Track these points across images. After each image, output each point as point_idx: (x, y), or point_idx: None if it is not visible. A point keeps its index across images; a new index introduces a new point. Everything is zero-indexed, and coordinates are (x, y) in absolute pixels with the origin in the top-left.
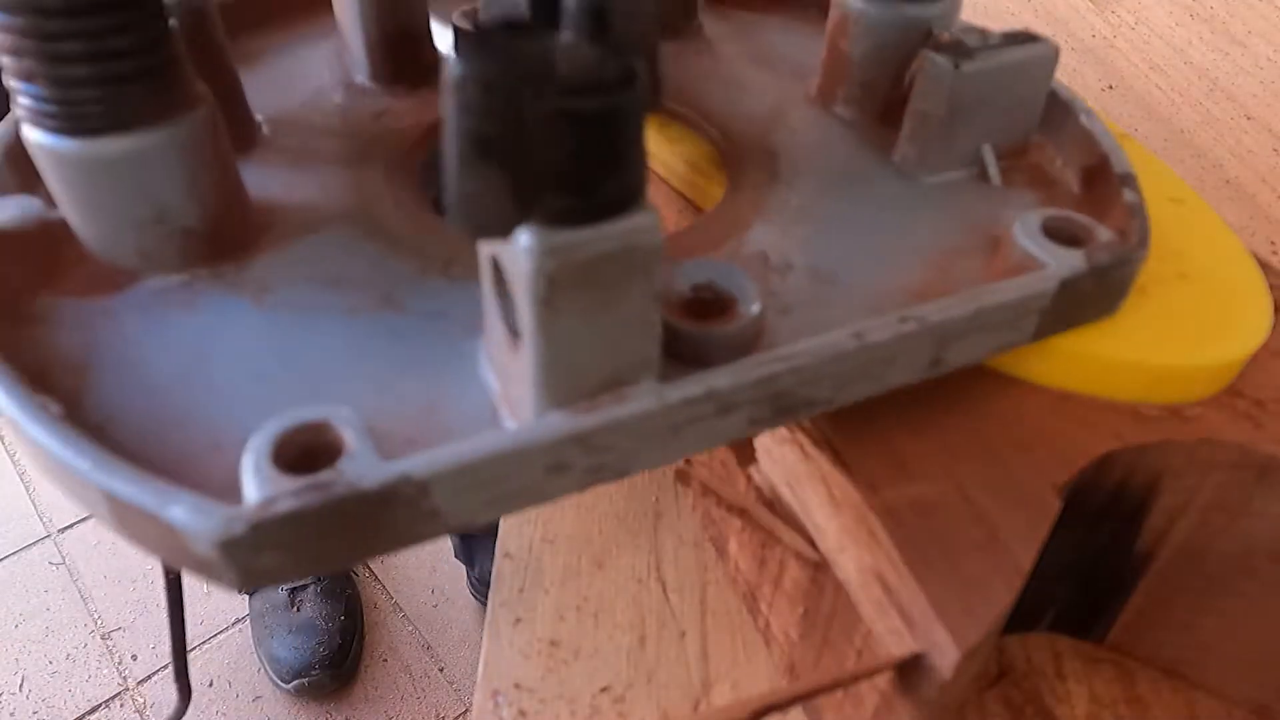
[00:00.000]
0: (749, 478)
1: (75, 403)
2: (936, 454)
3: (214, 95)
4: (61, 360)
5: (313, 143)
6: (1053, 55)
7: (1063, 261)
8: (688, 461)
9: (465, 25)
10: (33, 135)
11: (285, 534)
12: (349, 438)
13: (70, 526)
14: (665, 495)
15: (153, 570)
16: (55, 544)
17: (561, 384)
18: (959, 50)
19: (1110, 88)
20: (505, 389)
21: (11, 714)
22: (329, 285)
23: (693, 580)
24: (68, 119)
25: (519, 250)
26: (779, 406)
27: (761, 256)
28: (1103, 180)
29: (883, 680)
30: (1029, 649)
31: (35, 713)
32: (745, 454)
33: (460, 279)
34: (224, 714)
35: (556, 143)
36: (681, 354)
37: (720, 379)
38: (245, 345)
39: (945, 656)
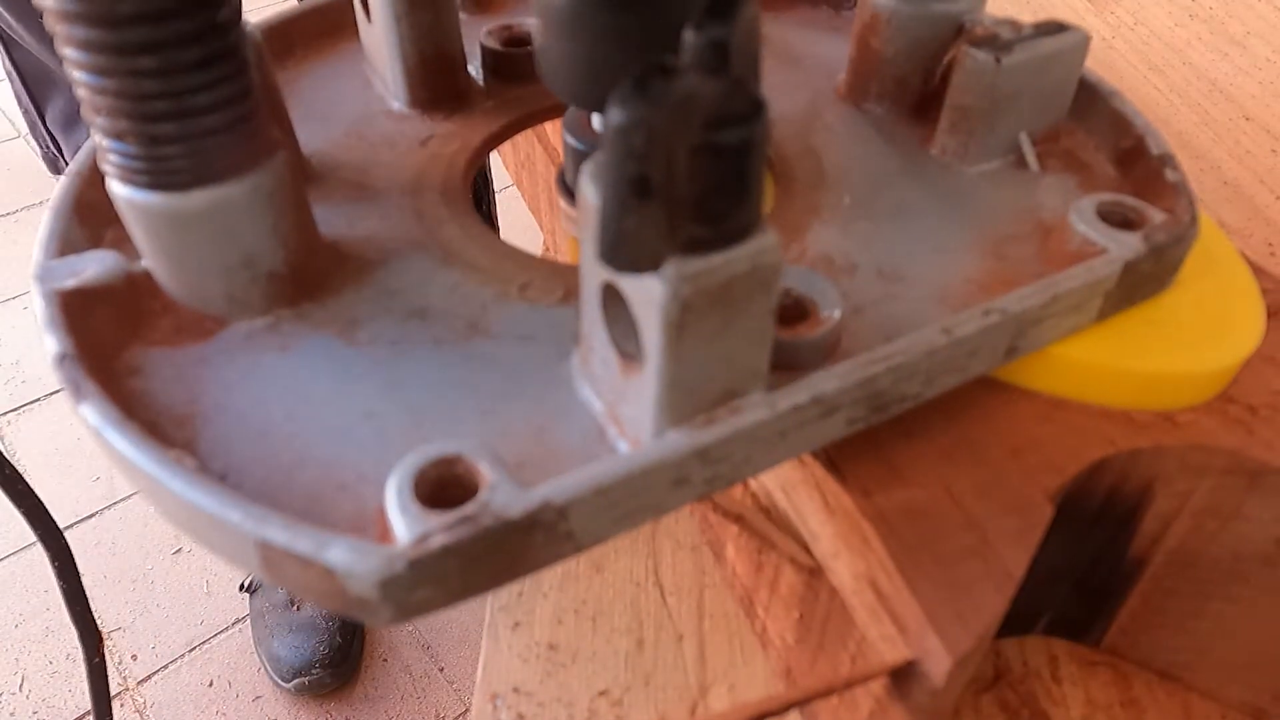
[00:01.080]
0: (745, 484)
1: (191, 451)
2: (929, 460)
3: (288, 142)
4: (166, 412)
5: (364, 174)
6: (1084, 43)
7: (1123, 245)
8: None
9: (493, 45)
10: (121, 191)
11: (439, 568)
12: (484, 469)
13: (70, 526)
14: None
15: (153, 570)
16: None
17: (682, 402)
18: (997, 44)
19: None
20: (614, 409)
21: (11, 714)
22: (413, 316)
23: (690, 584)
24: (157, 174)
25: (654, 280)
26: (875, 405)
27: (826, 259)
28: (1141, 161)
29: (877, 685)
30: (1025, 652)
31: (35, 713)
32: None
33: (539, 302)
34: (224, 714)
35: (699, 176)
36: (773, 365)
37: (826, 384)
38: (344, 383)
39: (937, 663)
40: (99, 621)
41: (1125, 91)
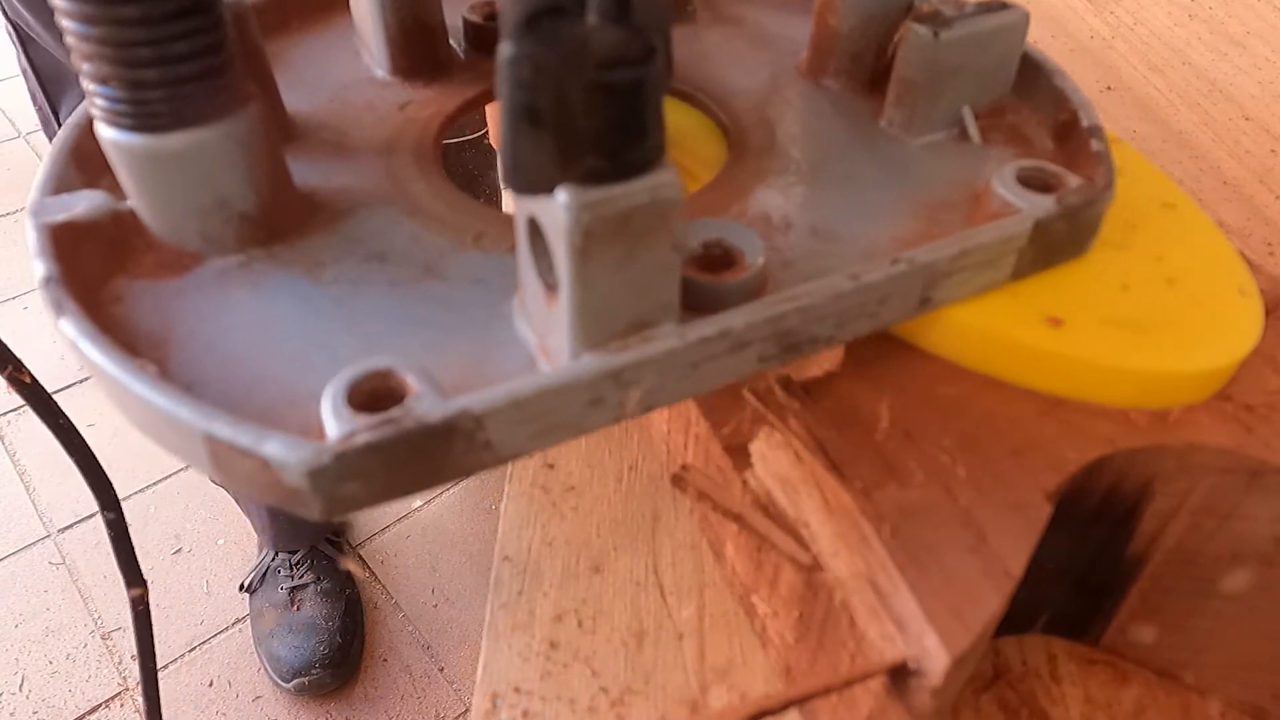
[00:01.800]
0: (744, 483)
1: (163, 371)
2: (928, 459)
3: (264, 95)
4: (143, 336)
5: (344, 135)
6: (1024, 21)
7: (1037, 205)
8: (684, 467)
9: (475, 19)
10: (107, 133)
11: (363, 464)
12: (412, 381)
13: (70, 526)
14: (663, 499)
15: (153, 570)
16: (55, 544)
17: (594, 328)
18: (938, 20)
19: (1109, 89)
20: (542, 340)
21: (11, 714)
22: (374, 260)
23: (690, 583)
24: (139, 117)
25: (559, 207)
26: (786, 344)
27: (765, 217)
28: (1074, 133)
29: (876, 684)
30: (1024, 651)
31: (35, 713)
32: (741, 459)
33: (492, 250)
34: (224, 714)
35: (592, 112)
36: (696, 305)
37: (733, 319)
38: (305, 316)
39: (936, 661)
40: (98, 621)
41: (1125, 91)
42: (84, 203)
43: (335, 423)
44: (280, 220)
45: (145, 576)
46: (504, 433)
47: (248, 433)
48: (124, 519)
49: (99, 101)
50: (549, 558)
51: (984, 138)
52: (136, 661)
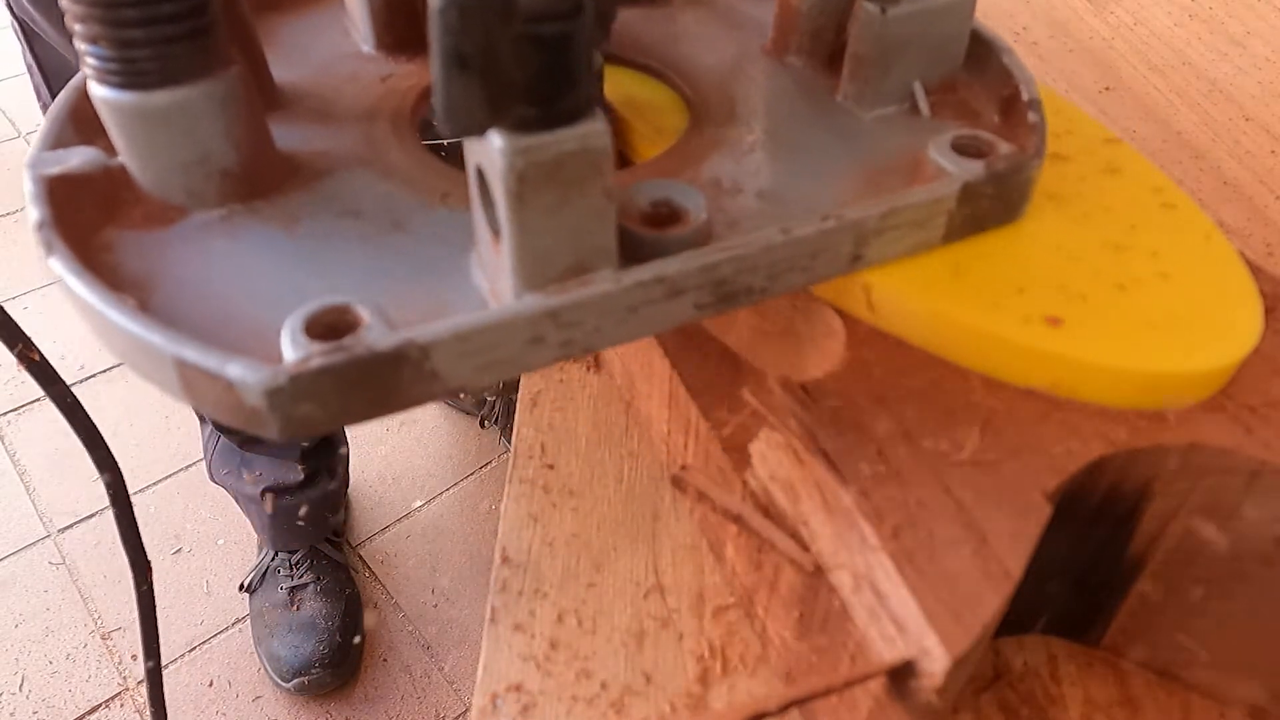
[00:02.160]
0: (744, 483)
1: (145, 309)
2: (928, 460)
3: (242, 59)
4: (128, 279)
5: (327, 104)
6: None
7: (966, 169)
8: (684, 467)
9: None
10: (97, 91)
11: (316, 386)
12: (365, 314)
13: (70, 526)
14: (663, 499)
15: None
16: (55, 544)
17: (534, 269)
18: None
19: (1107, 89)
20: (492, 285)
21: (11, 714)
22: (347, 216)
23: (690, 584)
24: (127, 75)
25: (495, 152)
26: (720, 293)
27: (715, 181)
28: (1015, 107)
29: (876, 685)
30: (1024, 651)
31: (35, 713)
32: (741, 460)
33: (457, 208)
34: (224, 714)
35: (522, 62)
36: (641, 257)
37: (668, 266)
38: (278, 263)
39: (936, 662)
40: (98, 621)
41: (1125, 91)
42: (78, 158)
43: (292, 349)
44: (260, 178)
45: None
46: (450, 364)
47: (213, 357)
48: (130, 503)
49: (90, 60)
50: (549, 558)
51: (934, 112)
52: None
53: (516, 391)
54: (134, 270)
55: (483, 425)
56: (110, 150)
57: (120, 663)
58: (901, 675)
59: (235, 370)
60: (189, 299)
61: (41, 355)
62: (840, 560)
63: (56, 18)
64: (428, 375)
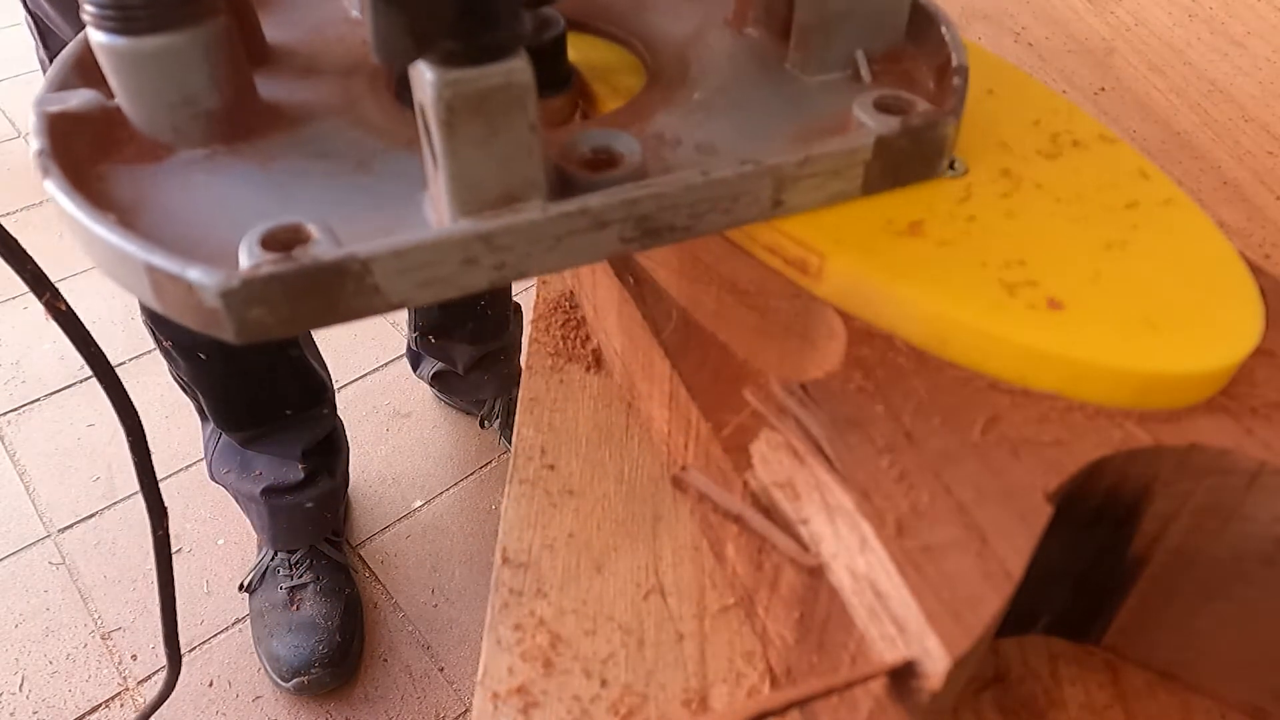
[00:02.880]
0: (745, 484)
1: (130, 228)
2: (928, 460)
3: (232, 15)
4: (118, 206)
5: (313, 61)
6: None
7: (882, 124)
8: (685, 468)
9: None
10: (95, 36)
11: (266, 291)
12: (315, 232)
13: (70, 526)
14: (664, 500)
15: (152, 570)
16: (55, 544)
17: (467, 196)
18: None
19: (1102, 90)
20: (437, 215)
21: (11, 714)
22: (318, 157)
23: (691, 584)
24: (121, 22)
25: (427, 85)
26: (644, 228)
27: (659, 135)
28: (946, 74)
29: (877, 685)
30: (1024, 652)
31: (35, 713)
32: (741, 460)
33: (419, 153)
34: (224, 714)
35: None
36: (576, 195)
37: (592, 200)
38: (250, 195)
39: (936, 663)
40: (98, 621)
41: (1125, 91)
42: (78, 99)
43: (246, 258)
44: (242, 122)
45: (145, 575)
46: (390, 280)
47: (177, 262)
48: (148, 450)
49: (89, 8)
50: (549, 558)
51: (876, 79)
52: (138, 660)
53: (517, 391)
54: (124, 198)
55: (483, 425)
56: (109, 94)
57: (120, 663)
58: (902, 676)
59: (195, 274)
60: (170, 222)
61: (68, 306)
62: (840, 561)
63: (71, 14)
64: (369, 289)
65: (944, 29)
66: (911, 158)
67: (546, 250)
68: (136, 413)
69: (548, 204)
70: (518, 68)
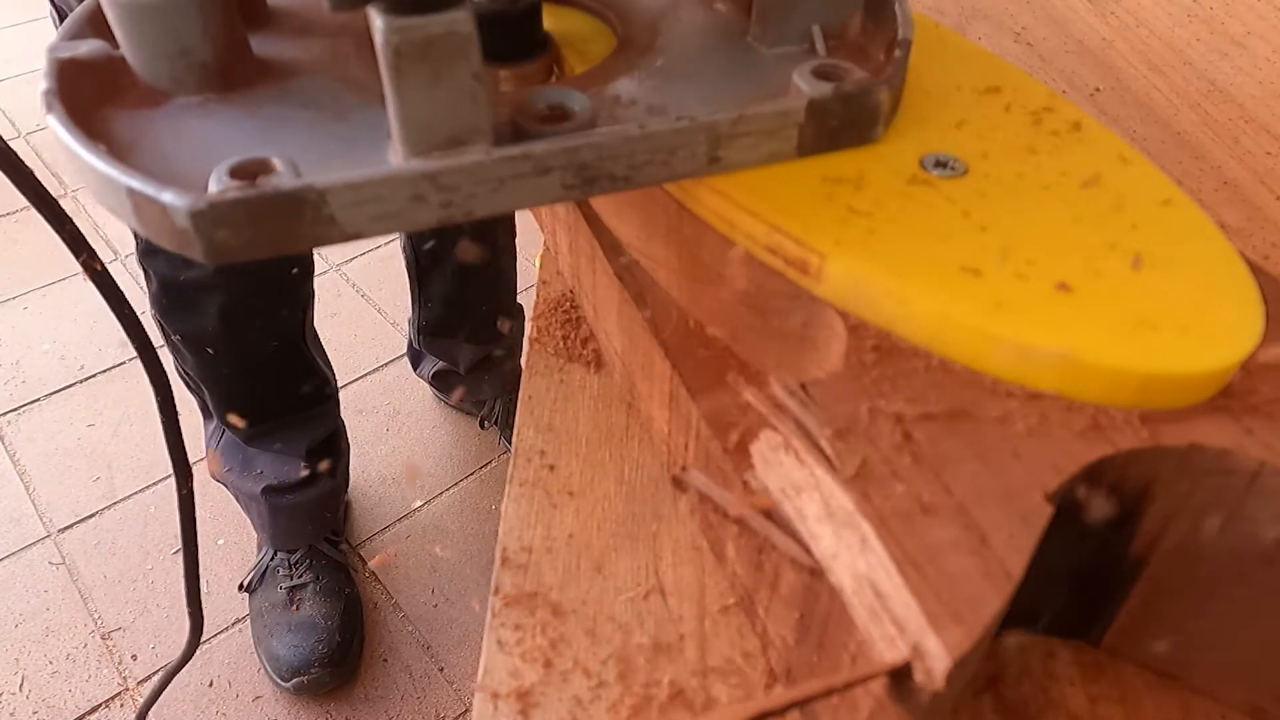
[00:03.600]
0: (745, 484)
1: (121, 161)
2: (929, 460)
3: None
4: (117, 145)
5: (308, 23)
6: None
7: (815, 89)
8: (685, 468)
9: None
10: None
11: (231, 215)
12: (279, 165)
13: (70, 526)
14: (664, 500)
15: (153, 570)
16: (55, 544)
17: (416, 137)
18: None
19: (1098, 90)
20: (395, 157)
21: (11, 714)
22: (302, 107)
23: (691, 584)
24: None
25: (377, 31)
26: (585, 176)
27: (615, 97)
28: (893, 47)
29: (877, 686)
30: (1025, 652)
31: (35, 713)
32: (741, 461)
33: None
34: (224, 714)
35: None
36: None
37: (534, 147)
38: (234, 137)
39: (937, 663)
40: (98, 621)
41: (1125, 91)
42: (87, 47)
43: (215, 185)
44: (235, 73)
45: (145, 575)
46: (346, 211)
47: (153, 186)
48: (175, 409)
49: None
50: (549, 558)
51: (831, 53)
52: (138, 660)
53: (517, 392)
54: (123, 137)
55: (483, 425)
56: (115, 45)
57: (120, 663)
58: (902, 676)
59: (168, 196)
60: (160, 158)
61: (104, 266)
62: (841, 561)
63: None
64: (326, 219)
65: (896, 5)
66: (846, 123)
67: (491, 191)
68: (166, 374)
69: (492, 149)
70: (460, 18)
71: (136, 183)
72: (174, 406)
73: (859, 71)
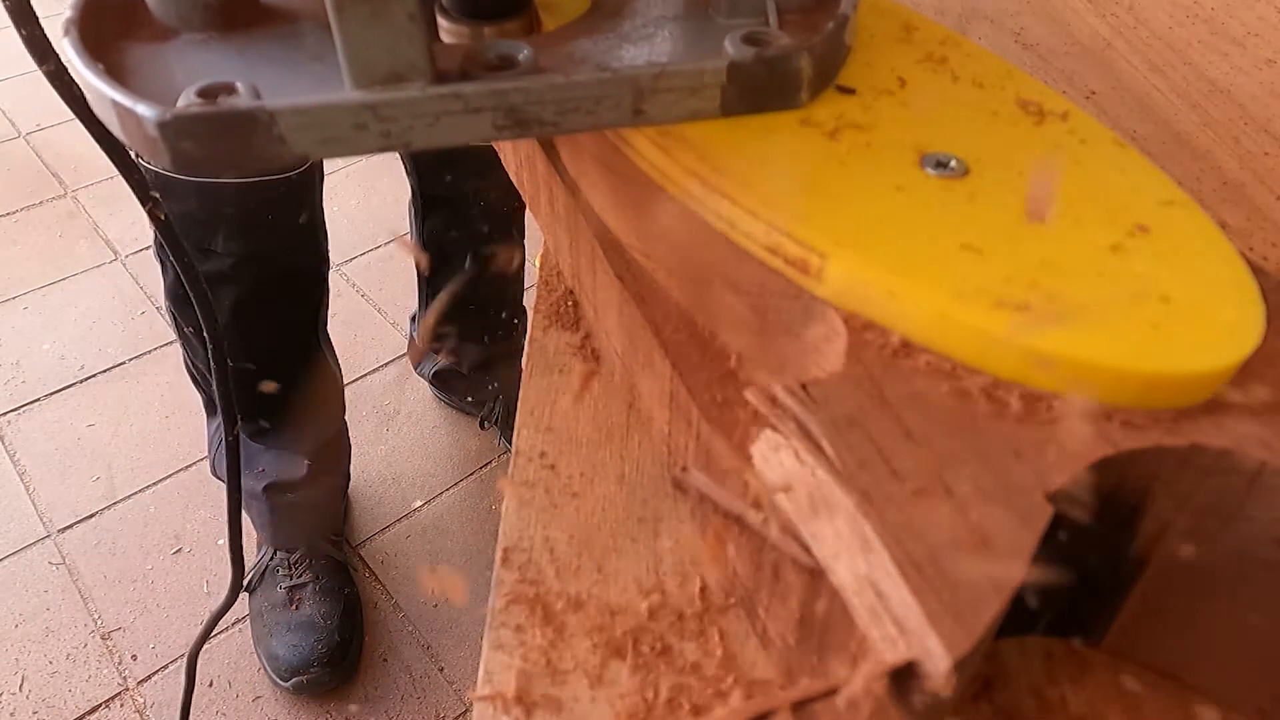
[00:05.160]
0: (745, 484)
1: (122, 82)
2: (929, 460)
3: None
4: (129, 72)
5: None
6: None
7: (738, 52)
8: (685, 468)
9: None
10: None
11: (193, 127)
12: (241, 88)
13: (70, 526)
14: (664, 500)
15: (153, 570)
16: (55, 544)
17: (359, 71)
18: None
19: (1094, 93)
20: (344, 91)
21: (11, 714)
22: (288, 49)
23: (691, 585)
24: None
25: None
26: (515, 119)
27: (569, 55)
28: (837, 23)
29: (877, 686)
30: (1024, 653)
31: (35, 713)
32: (742, 461)
33: None
34: (224, 714)
35: None
36: None
37: (466, 87)
38: (224, 68)
39: (938, 664)
40: (98, 621)
41: (1125, 91)
42: None
43: (183, 101)
44: (237, 16)
45: (145, 575)
46: (295, 133)
47: (130, 98)
48: (226, 358)
49: None
50: (549, 559)
51: (784, 28)
52: (136, 661)
53: (516, 392)
54: (133, 65)
55: (483, 426)
56: None
57: (120, 663)
58: (903, 676)
59: (141, 108)
60: (158, 84)
61: (168, 215)
62: (841, 561)
63: None
64: (276, 139)
65: None
66: (768, 85)
67: (427, 126)
68: (216, 319)
69: (428, 86)
70: None
71: (119, 96)
72: (224, 352)
73: (784, 38)
